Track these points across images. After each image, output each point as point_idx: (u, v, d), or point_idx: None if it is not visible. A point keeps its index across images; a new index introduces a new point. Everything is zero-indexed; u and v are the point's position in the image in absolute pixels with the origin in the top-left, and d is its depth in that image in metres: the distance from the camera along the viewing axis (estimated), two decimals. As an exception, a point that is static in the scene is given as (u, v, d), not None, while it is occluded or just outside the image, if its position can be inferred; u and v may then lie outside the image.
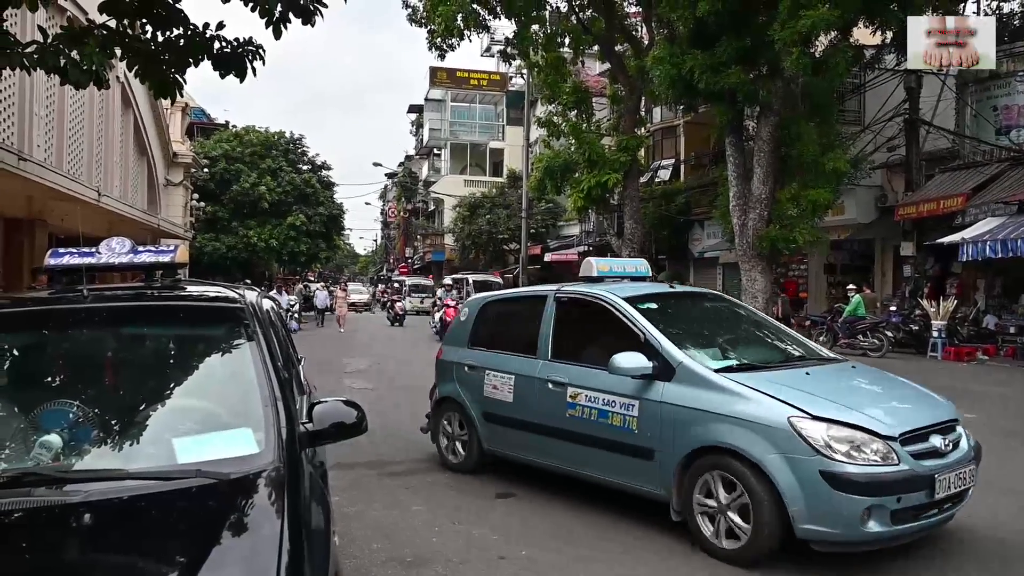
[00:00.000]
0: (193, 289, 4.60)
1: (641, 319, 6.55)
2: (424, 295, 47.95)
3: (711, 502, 5.67)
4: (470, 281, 40.60)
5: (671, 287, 8.46)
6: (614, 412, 6.41)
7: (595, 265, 8.00)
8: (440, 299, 29.58)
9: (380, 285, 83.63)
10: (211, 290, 4.51)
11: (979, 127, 22.22)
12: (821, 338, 21.07)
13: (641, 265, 8.30)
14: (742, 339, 7.35)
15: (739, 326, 7.67)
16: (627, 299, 6.87)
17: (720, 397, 5.78)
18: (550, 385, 7.03)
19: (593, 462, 6.65)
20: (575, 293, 7.52)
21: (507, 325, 8.46)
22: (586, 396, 6.67)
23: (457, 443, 8.31)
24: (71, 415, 3.22)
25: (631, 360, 6.16)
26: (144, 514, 2.76)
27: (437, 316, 28.17)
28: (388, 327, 35.11)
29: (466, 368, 8.18)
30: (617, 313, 6.76)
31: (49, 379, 3.70)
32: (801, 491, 5.20)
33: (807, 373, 6.30)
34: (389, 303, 38.89)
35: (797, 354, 7.02)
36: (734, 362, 6.40)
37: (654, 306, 7.01)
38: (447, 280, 34.58)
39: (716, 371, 6.04)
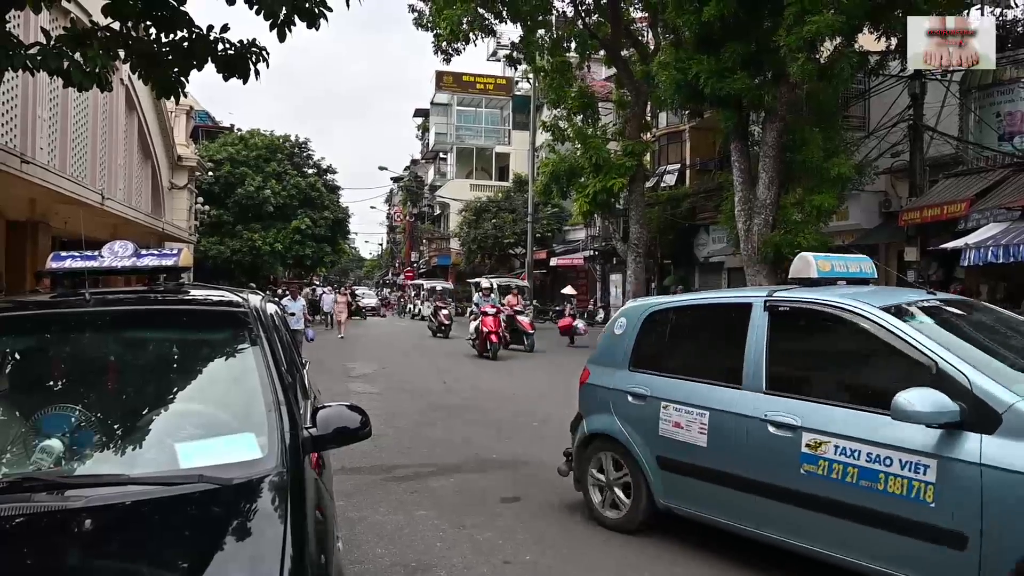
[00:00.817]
0: (196, 293, 4.59)
1: (928, 341, 4.77)
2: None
3: None
4: (494, 285, 37.97)
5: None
6: (891, 474, 4.60)
7: (815, 263, 6.08)
8: (477, 305, 24.56)
9: (385, 289, 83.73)
10: (215, 294, 4.49)
11: (982, 133, 22.17)
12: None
13: (866, 264, 6.45)
14: None
15: None
16: (888, 309, 5.07)
17: None
18: (771, 428, 5.23)
19: (850, 542, 4.83)
20: (799, 301, 5.67)
21: (689, 342, 6.71)
22: (837, 447, 4.85)
23: (616, 493, 6.54)
24: (73, 419, 3.20)
25: (927, 401, 4.33)
26: (146, 519, 2.73)
27: (472, 326, 23.64)
28: (430, 338, 30.54)
29: (630, 398, 6.39)
30: (880, 331, 4.95)
31: (51, 383, 3.68)
32: None
33: None
34: (432, 311, 33.11)
35: None
36: None
37: (927, 320, 5.16)
38: (484, 283, 28.44)
39: None
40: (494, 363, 20.95)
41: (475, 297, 27.15)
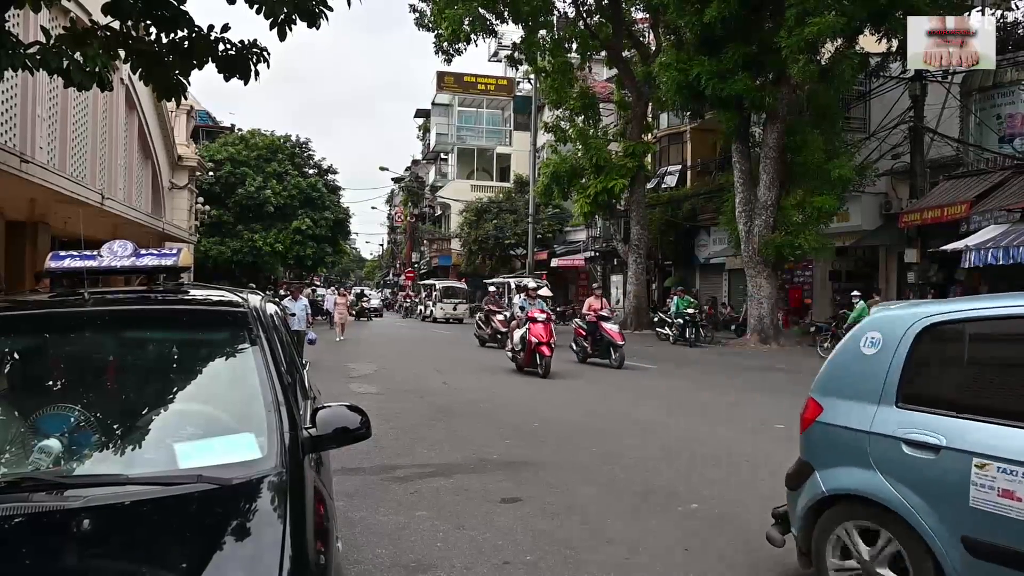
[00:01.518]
0: (196, 293, 4.58)
1: None
2: (457, 301, 46.24)
3: None
4: (512, 286, 32.85)
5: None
6: None
7: None
8: (522, 309, 19.56)
9: (386, 289, 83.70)
10: (214, 294, 4.48)
11: (983, 135, 22.21)
12: (825, 344, 21.05)
13: None
14: None
15: None
16: None
17: None
18: None
19: None
20: None
21: (1014, 370, 4.41)
22: None
23: None
24: (71, 419, 3.19)
25: None
26: (145, 520, 2.72)
27: (518, 335, 19.01)
28: (476, 348, 26.57)
29: (906, 447, 4.34)
30: None
31: (50, 383, 3.67)
32: None
33: None
34: (484, 317, 27.79)
35: None
36: None
37: None
38: (529, 283, 22.11)
39: None
40: (543, 380, 17.05)
41: (517, 300, 22.51)
